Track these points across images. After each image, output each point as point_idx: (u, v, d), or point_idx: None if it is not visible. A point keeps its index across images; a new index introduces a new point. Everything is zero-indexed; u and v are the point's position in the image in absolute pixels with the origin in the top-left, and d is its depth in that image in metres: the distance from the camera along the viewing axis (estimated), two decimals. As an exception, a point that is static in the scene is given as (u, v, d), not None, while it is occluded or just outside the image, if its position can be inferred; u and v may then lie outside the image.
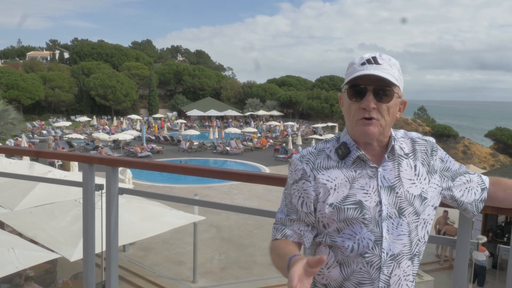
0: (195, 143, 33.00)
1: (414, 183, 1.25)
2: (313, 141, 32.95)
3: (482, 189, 1.33)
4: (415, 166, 1.27)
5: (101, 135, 35.73)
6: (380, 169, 1.24)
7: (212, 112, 57.29)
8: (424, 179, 1.26)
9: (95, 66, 63.66)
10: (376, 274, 1.20)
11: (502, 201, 1.34)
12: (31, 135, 37.44)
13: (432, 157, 1.30)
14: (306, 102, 58.13)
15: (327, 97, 56.68)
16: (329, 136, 38.86)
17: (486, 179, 1.35)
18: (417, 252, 1.25)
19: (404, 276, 1.23)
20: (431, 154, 1.31)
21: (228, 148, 31.43)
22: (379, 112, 1.20)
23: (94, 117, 53.49)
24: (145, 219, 7.05)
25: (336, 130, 48.23)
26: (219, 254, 11.61)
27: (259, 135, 41.51)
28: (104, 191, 1.93)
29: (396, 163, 1.25)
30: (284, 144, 33.39)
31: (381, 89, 1.19)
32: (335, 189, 1.22)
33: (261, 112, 58.69)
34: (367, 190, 1.21)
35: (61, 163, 20.81)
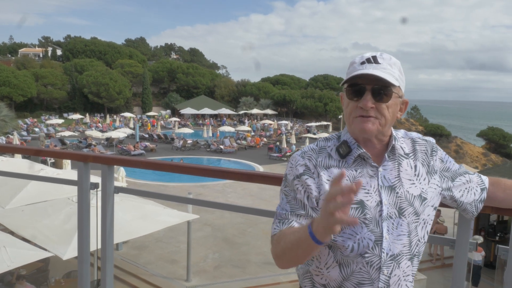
0: (189, 141, 32.91)
1: (414, 183, 1.24)
2: (307, 140, 33.02)
3: (482, 190, 1.33)
4: (415, 166, 1.27)
5: (94, 133, 35.50)
6: (380, 169, 1.23)
7: (206, 111, 57.16)
8: (424, 180, 1.26)
9: (88, 63, 63.17)
10: (376, 274, 1.19)
11: (501, 201, 1.35)
12: (25, 133, 37.17)
13: (432, 158, 1.30)
14: (300, 101, 58.20)
15: (321, 96, 56.79)
16: (324, 135, 39.05)
17: (485, 179, 1.35)
18: (416, 252, 1.24)
19: (403, 276, 1.22)
20: (431, 154, 1.30)
21: (222, 147, 31.38)
22: (378, 111, 1.19)
23: (87, 114, 53.13)
24: (138, 217, 7.01)
25: (330, 129, 48.38)
26: (212, 252, 11.59)
27: (253, 133, 41.50)
28: (99, 189, 1.91)
29: (396, 163, 1.25)
30: (278, 143, 33.43)
31: (380, 88, 1.18)
32: None
33: (255, 111, 58.68)
34: (368, 190, 1.21)
35: (53, 161, 20.63)
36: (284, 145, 31.90)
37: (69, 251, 5.92)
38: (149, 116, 57.18)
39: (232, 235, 12.92)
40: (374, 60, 1.19)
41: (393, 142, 1.25)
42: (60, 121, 46.68)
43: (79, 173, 1.90)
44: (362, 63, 1.20)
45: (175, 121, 49.77)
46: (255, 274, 10.29)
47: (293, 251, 1.12)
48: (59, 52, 79.69)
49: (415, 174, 1.25)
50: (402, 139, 1.30)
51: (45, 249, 6.23)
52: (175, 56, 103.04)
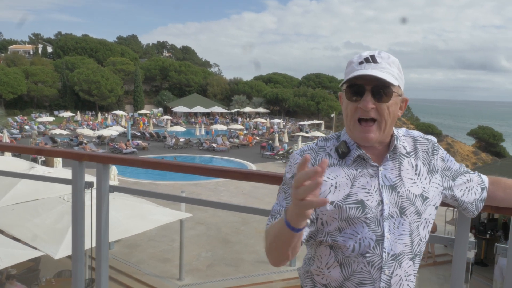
0: (181, 139, 32.79)
1: (415, 183, 1.23)
2: (300, 138, 33.08)
3: (482, 189, 1.33)
4: (416, 165, 1.26)
5: (85, 131, 35.25)
6: (381, 168, 1.22)
7: (198, 109, 57.01)
8: (425, 179, 1.25)
9: (79, 60, 62.61)
10: (377, 274, 1.19)
11: (501, 200, 1.35)
12: (15, 131, 36.79)
13: (433, 157, 1.29)
14: (293, 100, 58.28)
15: (313, 94, 56.91)
16: (316, 133, 39.17)
17: (485, 178, 1.35)
18: (418, 252, 1.24)
19: (405, 276, 1.22)
20: (432, 153, 1.30)
21: (214, 145, 31.32)
22: (378, 112, 1.18)
23: (78, 112, 52.70)
24: (131, 216, 6.97)
25: (322, 128, 48.53)
26: (205, 251, 11.56)
27: (245, 132, 41.48)
28: (94, 188, 1.88)
29: (397, 162, 1.24)
30: (270, 141, 33.44)
31: (380, 88, 1.16)
32: (336, 187, 1.20)
33: (247, 109, 58.67)
34: (368, 189, 1.20)
35: (44, 159, 20.43)
36: (277, 143, 31.92)
37: (61, 251, 5.87)
38: (141, 114, 56.89)
39: (225, 233, 12.90)
40: (372, 59, 1.18)
41: (395, 142, 1.24)
42: (51, 119, 46.23)
43: (73, 172, 1.87)
44: (361, 62, 1.18)
45: (167, 119, 49.58)
46: (248, 273, 10.29)
47: (275, 243, 1.11)
48: (49, 49, 78.89)
49: (416, 173, 1.25)
50: (403, 137, 1.29)
51: (36, 249, 6.17)
52: (167, 54, 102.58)
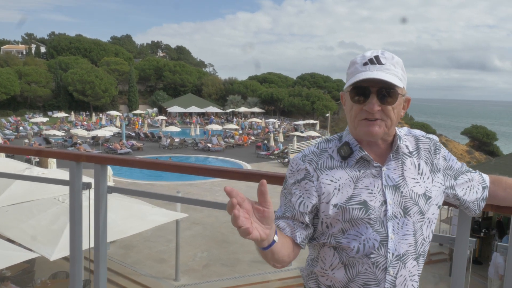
0: (176, 139, 32.71)
1: (418, 182, 1.23)
2: (295, 138, 33.13)
3: (483, 188, 1.33)
4: (419, 164, 1.26)
5: (79, 132, 35.07)
6: (384, 168, 1.22)
7: (193, 109, 56.89)
8: (428, 178, 1.25)
9: (73, 61, 62.21)
10: (382, 275, 1.18)
11: (502, 199, 1.35)
12: (10, 131, 36.56)
13: (435, 156, 1.29)
14: (288, 99, 58.31)
15: (308, 94, 56.96)
16: (311, 133, 39.25)
17: (486, 177, 1.35)
18: (422, 251, 1.24)
19: (409, 276, 1.22)
20: (434, 152, 1.29)
21: (209, 145, 31.28)
22: (384, 113, 1.17)
23: (72, 113, 52.39)
24: (127, 217, 6.93)
25: (317, 127, 48.60)
26: (201, 251, 11.55)
27: (240, 132, 41.46)
28: (91, 189, 1.87)
29: (400, 162, 1.24)
30: (265, 141, 33.46)
31: (385, 91, 1.15)
32: (339, 190, 1.20)
33: (242, 109, 58.61)
34: (371, 190, 1.19)
35: (38, 159, 20.29)
36: (272, 143, 31.95)
37: (56, 252, 5.82)
38: (135, 115, 56.67)
39: (221, 233, 12.89)
40: (377, 60, 1.17)
41: (398, 142, 1.23)
42: (45, 119, 45.98)
43: (71, 172, 1.85)
44: (365, 63, 1.17)
45: (162, 119, 49.43)
46: (244, 273, 10.28)
47: (258, 253, 1.13)
48: (43, 49, 78.33)
49: (418, 173, 1.24)
50: (405, 136, 1.28)
51: (31, 250, 6.12)
52: (161, 54, 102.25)
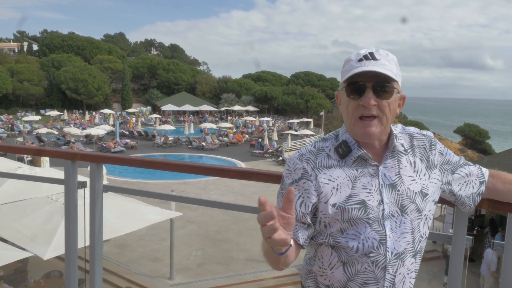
0: (170, 138, 32.60)
1: (414, 180, 1.23)
2: (289, 137, 33.15)
3: (481, 183, 1.33)
4: (414, 162, 1.25)
5: (72, 130, 34.80)
6: (381, 167, 1.22)
7: (187, 107, 56.71)
8: (424, 175, 1.25)
9: (65, 59, 61.68)
10: (382, 274, 1.19)
11: (500, 193, 1.34)
12: (1, 130, 36.26)
13: (431, 152, 1.29)
14: (282, 98, 58.33)
15: (302, 93, 57.03)
16: (306, 131, 39.30)
17: (485, 172, 1.34)
18: (419, 248, 1.24)
19: (407, 273, 1.22)
20: (429, 148, 1.29)
21: (203, 144, 31.21)
22: (380, 109, 1.16)
23: (65, 111, 51.98)
24: (121, 215, 6.90)
25: (311, 126, 48.68)
26: (195, 250, 11.53)
27: (235, 130, 41.42)
28: (87, 188, 1.86)
29: (396, 160, 1.24)
30: (260, 140, 33.45)
31: (381, 85, 1.15)
32: (337, 189, 1.20)
33: (236, 107, 58.52)
34: (369, 189, 1.19)
35: (30, 158, 20.14)
36: (266, 142, 31.94)
37: (50, 251, 5.78)
38: (129, 113, 56.38)
39: (215, 232, 12.88)
40: (371, 56, 1.17)
41: (394, 141, 1.23)
42: (37, 117, 45.58)
43: (66, 171, 1.84)
44: (360, 60, 1.17)
45: (156, 117, 49.23)
46: (238, 271, 10.29)
47: (267, 258, 1.14)
48: (35, 47, 77.56)
49: (414, 170, 1.24)
50: (400, 134, 1.28)
51: (24, 249, 6.08)
52: (155, 52, 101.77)
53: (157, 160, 1.78)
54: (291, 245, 1.04)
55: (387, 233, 1.18)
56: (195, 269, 10.41)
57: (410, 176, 1.23)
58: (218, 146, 31.74)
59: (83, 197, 1.93)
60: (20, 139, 30.98)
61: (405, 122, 53.73)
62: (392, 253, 1.18)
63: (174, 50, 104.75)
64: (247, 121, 49.52)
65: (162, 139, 31.74)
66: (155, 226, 9.80)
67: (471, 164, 1.34)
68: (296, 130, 41.37)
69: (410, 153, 1.26)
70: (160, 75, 66.57)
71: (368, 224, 1.17)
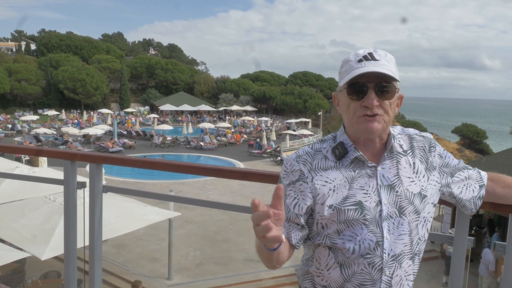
0: (168, 138, 32.56)
1: (413, 181, 1.22)
2: (287, 137, 33.16)
3: (480, 186, 1.32)
4: (414, 163, 1.25)
5: (70, 130, 34.74)
6: (379, 168, 1.21)
7: (185, 107, 56.67)
8: (423, 177, 1.24)
9: (63, 58, 61.57)
10: (378, 275, 1.18)
11: (500, 197, 1.34)
12: (2, 130, 36.22)
13: (430, 154, 1.28)
14: (280, 98, 58.35)
15: (301, 92, 57.06)
16: (304, 131, 39.32)
17: (484, 175, 1.34)
18: (417, 251, 1.23)
19: (405, 276, 1.21)
20: (429, 150, 1.29)
21: (202, 144, 31.19)
22: (383, 109, 1.16)
23: (63, 111, 51.87)
24: (119, 215, 6.89)
25: (310, 126, 48.71)
26: (194, 250, 11.52)
27: (233, 130, 41.40)
28: (86, 188, 1.85)
29: (394, 161, 1.23)
30: (258, 140, 33.45)
31: (383, 85, 1.15)
32: (334, 190, 1.19)
33: (235, 107, 58.53)
34: (366, 190, 1.19)
35: (28, 158, 20.08)
36: (264, 141, 31.94)
37: (48, 251, 5.77)
38: (127, 113, 56.31)
39: (213, 232, 12.87)
40: (371, 56, 1.16)
41: (392, 141, 1.23)
42: (35, 117, 45.50)
43: (65, 171, 1.83)
44: (360, 60, 1.16)
45: (154, 117, 49.19)
46: (237, 271, 10.28)
47: (260, 255, 1.14)
48: (33, 46, 77.38)
49: (413, 172, 1.24)
50: (399, 135, 1.28)
51: (22, 250, 6.06)
52: (153, 52, 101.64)
53: (157, 161, 1.77)
54: (282, 241, 1.06)
55: (384, 234, 1.17)
56: (193, 269, 10.39)
57: (409, 177, 1.23)
58: (216, 146, 31.73)
59: (81, 197, 1.92)
60: (18, 138, 30.92)
61: (403, 122, 53.83)
62: (389, 254, 1.17)
63: (172, 50, 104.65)
64: (245, 121, 49.52)
65: (160, 139, 31.70)
66: (154, 226, 9.79)
67: (470, 167, 1.34)
68: (294, 130, 41.40)
69: (410, 154, 1.26)
70: (158, 74, 66.51)
71: (365, 225, 1.17)
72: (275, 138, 34.85)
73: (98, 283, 1.84)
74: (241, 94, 62.53)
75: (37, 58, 65.38)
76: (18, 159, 18.82)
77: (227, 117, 54.09)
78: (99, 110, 54.97)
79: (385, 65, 1.16)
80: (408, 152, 1.26)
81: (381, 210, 1.17)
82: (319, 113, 50.83)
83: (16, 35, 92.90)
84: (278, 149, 29.63)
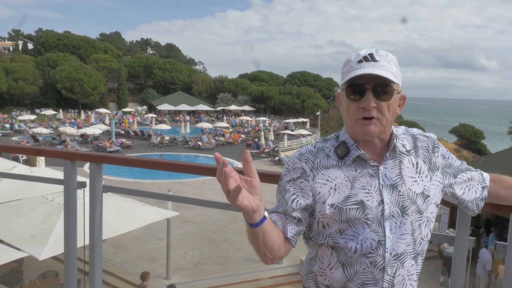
0: (166, 137, 32.52)
1: (416, 181, 1.23)
2: (285, 137, 33.15)
3: (483, 188, 1.33)
4: (417, 163, 1.25)
5: (68, 129, 34.64)
6: (381, 168, 1.21)
7: (183, 107, 56.57)
8: (426, 177, 1.25)
9: (61, 58, 61.37)
10: (380, 275, 1.18)
11: (502, 199, 1.35)
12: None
13: (433, 154, 1.29)
14: (278, 98, 58.33)
15: (299, 92, 57.07)
16: (302, 131, 39.32)
17: (486, 176, 1.35)
18: (420, 251, 1.24)
19: (408, 275, 1.21)
20: (432, 150, 1.29)
21: (200, 143, 31.16)
22: (380, 111, 1.17)
23: (61, 110, 51.74)
24: (118, 215, 6.89)
25: (308, 126, 48.72)
26: (192, 250, 11.51)
27: (231, 130, 41.37)
28: (86, 188, 1.84)
29: (397, 160, 1.23)
30: (256, 139, 33.44)
31: (381, 87, 1.16)
32: (335, 189, 1.20)
33: (233, 107, 58.48)
34: (368, 190, 1.19)
35: (25, 158, 20.03)
36: (262, 141, 31.95)
37: (46, 251, 5.76)
38: (125, 112, 56.20)
39: (212, 232, 12.86)
40: (371, 57, 1.17)
41: (394, 141, 1.23)
42: (32, 117, 45.35)
43: (65, 171, 1.82)
44: (360, 61, 1.17)
45: (152, 117, 49.11)
46: (235, 271, 10.28)
47: (249, 240, 1.15)
48: (30, 46, 77.14)
49: (416, 171, 1.24)
50: (402, 135, 1.28)
51: (20, 249, 6.05)
52: (151, 52, 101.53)
53: (158, 161, 1.76)
54: (265, 217, 1.08)
55: (386, 234, 1.17)
56: (192, 269, 10.39)
57: (412, 177, 1.23)
58: (215, 146, 31.70)
59: (81, 197, 1.91)
60: (15, 138, 30.83)
61: (401, 122, 53.89)
62: (391, 254, 1.18)
63: (170, 50, 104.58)
64: (244, 120, 49.49)
65: (158, 138, 31.65)
66: (152, 225, 9.78)
67: (473, 169, 1.34)
68: (292, 130, 41.39)
69: (413, 154, 1.26)
70: (156, 74, 66.40)
71: (367, 224, 1.17)
72: (273, 138, 34.85)
73: (98, 283, 1.84)
74: (239, 94, 62.48)
75: (34, 57, 65.15)
76: (16, 159, 18.77)
77: (225, 117, 54.05)
78: (97, 110, 54.84)
79: (385, 66, 1.16)
80: (411, 152, 1.26)
81: (383, 210, 1.18)
82: (317, 113, 50.85)
83: (14, 34, 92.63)
84: (276, 149, 29.63)
